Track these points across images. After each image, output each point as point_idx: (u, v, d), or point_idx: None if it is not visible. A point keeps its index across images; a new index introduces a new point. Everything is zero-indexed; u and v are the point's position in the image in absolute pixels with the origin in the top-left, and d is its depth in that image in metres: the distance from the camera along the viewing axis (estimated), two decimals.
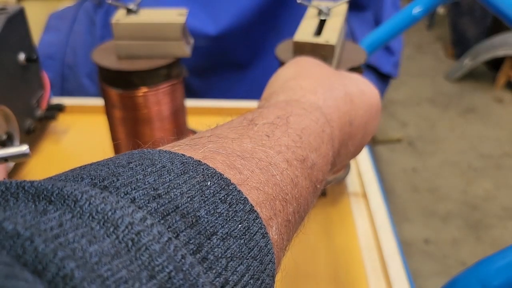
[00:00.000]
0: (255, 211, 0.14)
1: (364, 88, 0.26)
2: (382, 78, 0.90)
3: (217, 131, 0.18)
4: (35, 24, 0.55)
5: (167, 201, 0.12)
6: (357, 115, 0.24)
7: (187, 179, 0.13)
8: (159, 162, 0.14)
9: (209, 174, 0.14)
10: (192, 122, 0.50)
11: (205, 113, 0.61)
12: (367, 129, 0.25)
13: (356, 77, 0.27)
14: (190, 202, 0.12)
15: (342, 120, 0.23)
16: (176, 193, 0.12)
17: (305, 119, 0.20)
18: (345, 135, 0.23)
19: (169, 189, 0.12)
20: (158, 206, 0.12)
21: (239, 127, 0.18)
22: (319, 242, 0.41)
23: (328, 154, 0.20)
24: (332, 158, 0.21)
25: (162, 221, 0.11)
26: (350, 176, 0.49)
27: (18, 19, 0.48)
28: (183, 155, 0.14)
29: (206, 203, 0.13)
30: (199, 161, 0.14)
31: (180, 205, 0.12)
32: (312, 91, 0.22)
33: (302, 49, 0.34)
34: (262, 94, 0.26)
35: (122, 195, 0.12)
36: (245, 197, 0.14)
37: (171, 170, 0.13)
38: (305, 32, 0.35)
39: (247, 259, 0.13)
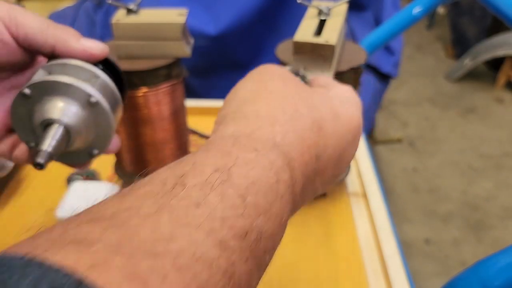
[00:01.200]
0: None
1: (339, 109, 0.21)
2: (382, 78, 0.90)
3: (126, 202, 0.13)
4: None
5: None
6: (328, 145, 0.20)
7: None
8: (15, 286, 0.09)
9: None
10: (192, 122, 0.50)
11: (205, 113, 0.61)
12: (342, 159, 0.21)
13: (332, 95, 0.22)
14: None
15: (306, 156, 0.19)
16: None
17: (254, 167, 0.15)
18: (311, 172, 0.19)
19: None
20: None
21: (159, 193, 0.13)
22: (320, 242, 0.41)
23: (284, 210, 0.16)
24: (291, 210, 0.18)
25: None
26: (350, 176, 0.49)
27: None
28: (58, 270, 0.10)
29: None
30: (80, 282, 0.10)
31: None
32: (270, 121, 0.18)
33: (302, 49, 0.34)
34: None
35: None
36: None
37: None
38: (305, 32, 0.35)
39: None
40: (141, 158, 0.42)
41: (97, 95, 0.23)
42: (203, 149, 0.17)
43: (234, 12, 0.75)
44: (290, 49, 0.34)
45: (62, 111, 0.22)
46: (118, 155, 0.44)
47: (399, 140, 1.60)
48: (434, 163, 1.49)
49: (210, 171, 0.15)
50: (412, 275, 0.79)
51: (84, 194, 0.42)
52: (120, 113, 0.26)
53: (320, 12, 0.38)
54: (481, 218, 1.26)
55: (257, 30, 0.78)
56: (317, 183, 0.20)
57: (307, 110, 0.20)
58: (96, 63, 0.25)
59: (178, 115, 0.43)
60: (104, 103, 0.23)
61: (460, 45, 2.11)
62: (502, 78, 1.91)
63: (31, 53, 0.24)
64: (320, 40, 0.33)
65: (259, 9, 0.76)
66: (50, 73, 0.23)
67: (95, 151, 0.26)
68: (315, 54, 0.34)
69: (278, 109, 0.19)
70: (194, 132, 0.54)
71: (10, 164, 0.46)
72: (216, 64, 0.81)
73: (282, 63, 0.38)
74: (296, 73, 0.25)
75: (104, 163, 0.48)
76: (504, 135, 1.63)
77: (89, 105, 0.23)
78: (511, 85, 1.90)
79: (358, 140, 0.23)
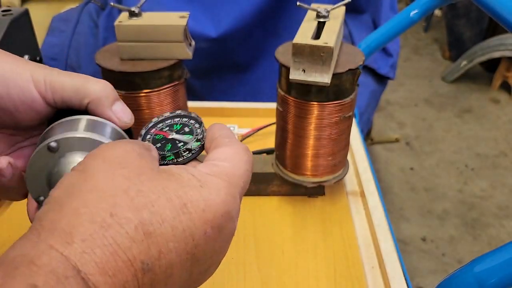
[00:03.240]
0: None
1: (194, 196, 0.17)
2: (379, 79, 0.91)
3: None
4: (39, 26, 0.56)
5: None
6: (166, 250, 0.16)
7: None
8: None
9: None
10: None
11: (207, 114, 0.62)
12: (198, 259, 0.18)
13: (191, 176, 0.18)
14: None
15: (125, 274, 0.15)
16: None
17: None
18: None
19: None
20: None
21: None
22: (318, 240, 0.42)
23: None
24: None
25: None
26: (348, 176, 0.50)
27: (23, 21, 0.48)
28: None
29: None
30: None
31: None
32: (67, 236, 0.15)
33: (301, 51, 0.35)
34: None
35: None
36: None
37: None
38: (304, 34, 0.36)
39: None
40: None
41: None
42: None
43: (234, 14, 0.76)
44: (290, 51, 0.35)
45: None
46: None
47: (396, 140, 1.61)
48: (431, 163, 1.50)
49: None
50: (409, 272, 0.80)
51: None
52: None
53: (319, 15, 0.39)
54: (477, 217, 1.28)
55: (257, 33, 0.79)
56: None
57: (131, 213, 0.16)
58: None
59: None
60: None
61: (456, 47, 2.13)
62: (497, 79, 1.93)
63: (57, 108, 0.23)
64: (319, 42, 0.34)
65: (259, 12, 0.77)
66: (76, 129, 0.22)
67: None
68: (313, 56, 0.34)
69: (84, 216, 0.15)
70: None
71: None
72: (217, 66, 0.82)
73: (281, 65, 0.39)
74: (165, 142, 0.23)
75: None
76: (500, 135, 1.65)
77: None
78: (506, 86, 1.92)
79: (226, 228, 0.18)
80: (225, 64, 0.82)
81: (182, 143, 0.23)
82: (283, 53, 0.40)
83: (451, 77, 2.01)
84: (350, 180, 0.50)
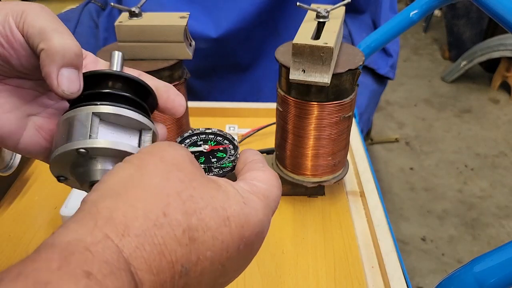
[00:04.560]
0: None
1: (236, 212, 0.18)
2: (379, 79, 0.91)
3: None
4: None
5: None
6: (203, 258, 0.17)
7: None
8: None
9: None
10: (194, 123, 0.51)
11: (207, 114, 0.62)
12: (226, 271, 0.18)
13: (236, 192, 0.19)
14: None
15: (166, 274, 0.15)
16: None
17: None
18: None
19: None
20: None
21: None
22: (318, 240, 0.42)
23: None
24: None
25: None
26: (348, 176, 0.50)
27: None
28: None
29: None
30: None
31: None
32: (122, 228, 0.15)
33: (301, 51, 0.35)
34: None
35: None
36: None
37: None
38: (304, 34, 0.36)
39: None
40: None
41: None
42: (14, 272, 0.13)
43: (234, 15, 0.76)
44: (290, 51, 0.35)
45: None
46: None
47: (396, 140, 1.61)
48: (431, 163, 1.50)
49: None
50: (408, 272, 0.80)
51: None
52: None
53: (319, 15, 0.39)
54: (477, 217, 1.28)
55: (257, 33, 0.79)
56: None
57: (181, 216, 0.16)
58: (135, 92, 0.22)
59: (181, 116, 0.44)
60: None
61: (456, 47, 2.13)
62: (497, 79, 1.93)
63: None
64: (319, 42, 0.34)
65: (259, 12, 0.77)
66: (101, 119, 0.21)
67: None
68: (313, 56, 0.35)
69: (140, 211, 0.16)
70: None
71: (15, 163, 0.47)
72: (217, 66, 0.82)
73: (281, 65, 0.39)
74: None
75: None
76: (499, 135, 1.65)
77: None
78: (506, 86, 1.92)
79: (255, 246, 0.19)
80: (225, 64, 0.82)
81: (215, 160, 0.24)
82: (283, 53, 0.40)
83: (451, 77, 2.01)
84: (350, 180, 0.50)
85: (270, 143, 0.50)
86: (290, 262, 0.40)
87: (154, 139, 0.23)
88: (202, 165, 0.24)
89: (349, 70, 0.37)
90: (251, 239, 0.18)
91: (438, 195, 1.36)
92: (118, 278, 0.14)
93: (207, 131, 0.27)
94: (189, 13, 0.42)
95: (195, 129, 0.27)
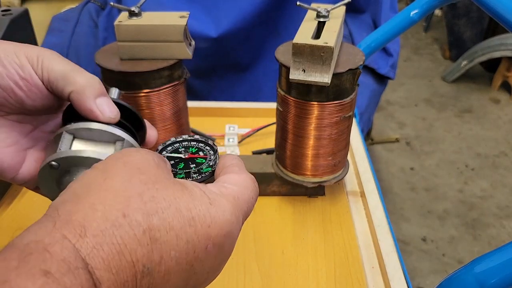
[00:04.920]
0: None
1: (201, 212, 0.18)
2: (380, 79, 0.91)
3: None
4: (39, 25, 0.56)
5: None
6: (165, 258, 0.17)
7: None
8: None
9: None
10: (194, 122, 0.51)
11: (207, 114, 0.62)
12: (195, 272, 0.18)
13: (203, 193, 0.19)
14: None
15: (126, 273, 0.16)
16: None
17: None
18: None
19: None
20: None
21: None
22: (318, 240, 0.42)
23: None
24: None
25: None
26: (348, 176, 0.50)
27: (22, 20, 0.48)
28: None
29: None
30: None
31: None
32: (80, 229, 0.15)
33: (301, 50, 0.35)
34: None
35: None
36: None
37: None
38: (304, 34, 0.36)
39: None
40: None
41: None
42: None
43: (234, 14, 0.76)
44: (290, 51, 0.35)
45: None
46: None
47: (396, 140, 1.61)
48: (431, 163, 1.50)
49: None
50: (409, 272, 0.80)
51: None
52: None
53: (319, 14, 0.39)
54: (478, 217, 1.28)
55: (257, 33, 0.79)
56: None
57: (142, 216, 0.17)
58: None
59: (180, 115, 0.43)
60: None
61: (456, 47, 2.13)
62: (498, 79, 1.93)
63: (58, 97, 0.24)
64: (319, 41, 0.34)
65: (259, 12, 0.77)
66: (75, 137, 0.23)
67: None
68: (314, 56, 0.34)
69: (99, 212, 0.16)
70: (196, 133, 0.55)
71: None
72: (217, 65, 0.82)
73: (281, 65, 0.39)
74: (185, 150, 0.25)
75: None
76: (500, 135, 1.65)
77: None
78: (507, 86, 1.92)
79: (226, 247, 0.19)
80: (225, 64, 0.82)
81: (194, 165, 0.25)
82: (283, 53, 0.39)
83: (451, 77, 2.01)
84: (350, 180, 0.50)
85: (270, 143, 0.49)
86: (290, 262, 0.40)
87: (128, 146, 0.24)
88: (181, 171, 0.25)
89: (350, 70, 0.37)
90: (219, 239, 0.19)
91: (438, 195, 1.36)
92: (76, 276, 0.14)
93: (189, 138, 0.28)
94: (189, 12, 0.42)
95: (177, 137, 0.28)
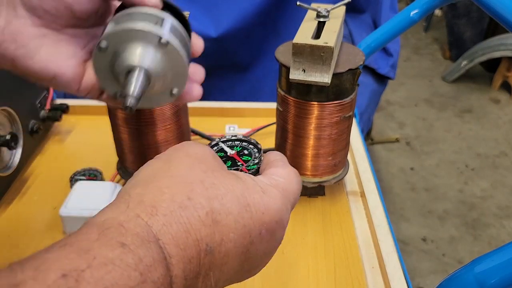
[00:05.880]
0: None
1: (255, 200, 0.20)
2: (380, 79, 0.91)
3: None
4: None
5: None
6: (227, 240, 0.18)
7: None
8: None
9: None
10: (194, 122, 0.51)
11: (207, 114, 0.62)
12: (250, 255, 0.20)
13: (255, 183, 0.21)
14: None
15: (192, 250, 0.17)
16: None
17: (114, 269, 0.14)
18: (200, 267, 0.18)
19: None
20: None
21: None
22: (319, 240, 0.42)
23: None
24: None
25: None
26: (348, 176, 0.50)
27: None
28: None
29: None
30: None
31: None
32: (152, 209, 0.17)
33: (301, 50, 0.34)
34: None
35: None
36: None
37: None
38: (304, 34, 0.36)
39: None
40: (144, 158, 0.43)
41: (167, 36, 0.24)
42: (62, 243, 0.15)
43: (234, 14, 0.76)
44: (290, 51, 0.35)
45: (140, 56, 0.24)
46: (120, 155, 0.45)
47: (396, 140, 1.61)
48: (431, 163, 1.50)
49: (54, 277, 0.13)
50: (409, 272, 0.80)
51: (87, 194, 0.43)
52: (190, 51, 0.28)
53: (319, 15, 0.39)
54: (478, 217, 1.28)
55: (257, 32, 0.79)
56: (214, 277, 0.18)
57: (205, 200, 0.18)
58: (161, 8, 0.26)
59: (180, 115, 0.43)
60: (175, 42, 0.25)
61: (456, 47, 2.13)
62: (498, 79, 1.92)
63: (106, 1, 0.26)
64: (319, 41, 0.34)
65: (259, 12, 0.77)
66: (119, 23, 0.24)
67: (175, 90, 0.27)
68: (314, 56, 0.34)
69: (167, 195, 0.18)
70: (196, 133, 0.55)
71: (14, 163, 0.47)
72: (217, 65, 0.82)
73: (282, 65, 0.39)
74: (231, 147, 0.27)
75: (107, 163, 0.49)
76: (500, 135, 1.65)
77: (162, 46, 0.24)
78: (507, 86, 1.92)
79: (277, 234, 0.21)
80: (225, 64, 0.82)
81: (241, 163, 0.26)
82: (283, 53, 0.39)
83: (452, 77, 2.01)
84: (350, 180, 0.50)
85: (270, 143, 0.49)
86: (290, 263, 0.40)
87: (174, 27, 0.25)
88: (229, 168, 0.26)
89: (350, 69, 0.37)
90: (272, 225, 0.20)
91: (438, 195, 1.36)
92: (149, 249, 0.16)
93: (232, 137, 0.29)
94: (188, 12, 0.42)
95: (222, 138, 0.29)
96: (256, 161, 0.27)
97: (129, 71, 0.24)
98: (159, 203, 0.17)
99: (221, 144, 0.28)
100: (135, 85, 0.23)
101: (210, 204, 0.18)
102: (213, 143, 0.28)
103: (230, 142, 0.29)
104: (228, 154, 0.27)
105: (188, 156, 0.21)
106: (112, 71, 0.25)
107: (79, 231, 0.16)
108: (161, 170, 0.20)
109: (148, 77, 0.24)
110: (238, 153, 0.28)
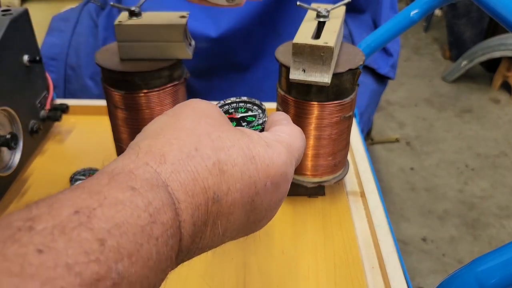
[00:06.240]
0: None
1: (260, 153, 0.20)
2: (380, 79, 0.91)
3: None
4: (39, 25, 0.56)
5: None
6: (233, 189, 0.19)
7: None
8: None
9: None
10: None
11: None
12: (256, 205, 0.20)
13: (259, 137, 0.21)
14: None
15: (200, 198, 0.18)
16: None
17: (124, 208, 0.15)
18: (208, 214, 0.18)
19: None
20: None
21: (3, 235, 0.12)
22: (318, 240, 0.42)
23: (160, 252, 0.15)
24: (176, 252, 0.17)
25: None
26: (348, 176, 0.50)
27: (22, 20, 0.48)
28: None
29: None
30: None
31: None
32: (160, 158, 0.18)
33: (301, 50, 0.34)
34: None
35: None
36: None
37: None
38: (304, 34, 0.36)
39: None
40: None
41: None
42: (74, 187, 0.15)
43: (234, 14, 0.76)
44: (290, 51, 0.35)
45: None
46: (120, 155, 0.45)
47: (396, 140, 1.61)
48: (431, 163, 1.50)
49: (67, 213, 0.13)
50: (409, 273, 0.80)
51: None
52: None
53: (319, 14, 0.39)
54: (478, 217, 1.28)
55: (257, 32, 0.79)
56: (222, 226, 0.19)
57: (211, 151, 0.19)
58: None
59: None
60: None
61: (456, 46, 2.13)
62: (498, 79, 1.92)
63: None
64: (319, 41, 0.34)
65: (259, 12, 0.76)
66: None
67: None
68: (314, 56, 0.34)
69: (175, 145, 0.19)
70: None
71: (14, 164, 0.47)
72: (217, 65, 0.82)
73: (282, 65, 0.39)
74: (236, 108, 0.28)
75: (106, 162, 0.49)
76: (500, 135, 1.65)
77: None
78: (507, 86, 1.92)
79: (282, 187, 0.21)
80: (225, 64, 0.82)
81: (245, 124, 0.27)
82: (283, 53, 0.39)
83: (452, 77, 2.01)
84: (350, 180, 0.50)
85: None
86: (290, 263, 0.40)
87: None
88: None
89: (350, 69, 0.37)
90: (277, 178, 0.21)
91: (438, 195, 1.36)
92: (158, 193, 0.16)
93: (237, 99, 0.29)
94: (189, 12, 0.42)
95: (226, 100, 0.29)
96: (260, 121, 0.27)
97: None
98: (168, 152, 0.18)
99: (226, 107, 0.29)
100: None
101: (216, 155, 0.19)
102: (218, 105, 0.29)
103: (235, 104, 0.29)
104: (235, 117, 0.28)
105: (195, 111, 0.21)
106: None
107: (90, 178, 0.16)
108: (168, 124, 0.20)
109: None
110: (243, 113, 0.28)
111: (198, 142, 0.19)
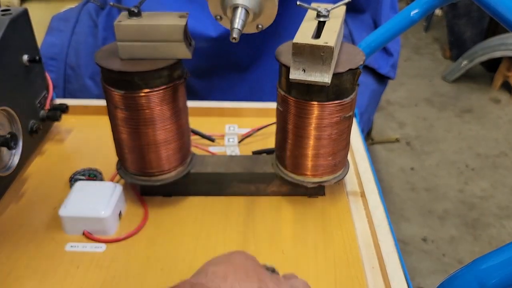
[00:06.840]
0: None
1: None
2: (380, 79, 0.91)
3: None
4: (38, 25, 0.56)
5: None
6: None
7: None
8: None
9: None
10: (194, 122, 0.51)
11: (207, 114, 0.62)
12: None
13: (286, 284, 0.28)
14: None
15: None
16: None
17: None
18: None
19: None
20: None
21: None
22: (318, 240, 0.42)
23: None
24: None
25: None
26: (348, 176, 0.50)
27: (22, 20, 0.48)
28: None
29: None
30: None
31: None
32: (223, 277, 0.24)
33: (301, 50, 0.34)
34: None
35: None
36: None
37: None
38: (304, 34, 0.36)
39: None
40: (143, 158, 0.43)
41: None
42: None
43: None
44: (290, 51, 0.35)
45: None
46: (120, 155, 0.45)
47: (397, 140, 1.61)
48: (431, 163, 1.50)
49: None
50: (409, 273, 0.80)
51: (87, 194, 0.43)
52: None
53: (319, 14, 0.38)
54: (478, 217, 1.28)
55: (257, 33, 0.79)
56: None
57: (256, 278, 0.25)
58: None
59: (180, 115, 0.43)
60: None
61: (457, 46, 2.13)
62: (498, 79, 1.92)
63: None
64: (319, 41, 0.34)
65: None
66: None
67: (260, 26, 0.34)
68: (314, 56, 0.34)
69: (231, 270, 0.25)
70: (196, 133, 0.55)
71: (14, 164, 0.47)
72: (217, 65, 0.82)
73: (282, 64, 0.39)
74: (266, 267, 0.31)
75: (106, 163, 0.49)
76: (500, 135, 1.65)
77: None
78: (507, 85, 1.92)
79: None
80: (225, 64, 0.82)
81: None
82: (283, 52, 0.39)
83: (452, 77, 2.01)
84: (350, 180, 0.50)
85: (270, 143, 0.49)
86: (290, 263, 0.39)
87: None
88: None
89: (350, 69, 0.37)
90: None
91: (439, 195, 1.36)
92: None
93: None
94: (188, 12, 0.42)
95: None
96: None
97: (235, 8, 0.31)
98: (229, 274, 0.24)
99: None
100: (238, 21, 0.30)
101: (259, 284, 0.24)
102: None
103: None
104: None
105: (242, 255, 0.27)
106: (222, 3, 0.32)
107: None
108: (224, 260, 0.26)
109: (247, 14, 0.31)
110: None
111: (248, 269, 0.25)
